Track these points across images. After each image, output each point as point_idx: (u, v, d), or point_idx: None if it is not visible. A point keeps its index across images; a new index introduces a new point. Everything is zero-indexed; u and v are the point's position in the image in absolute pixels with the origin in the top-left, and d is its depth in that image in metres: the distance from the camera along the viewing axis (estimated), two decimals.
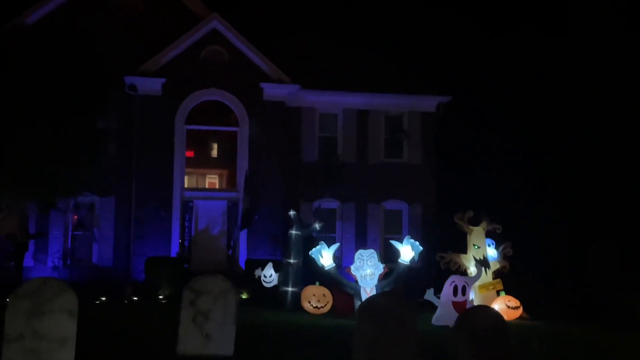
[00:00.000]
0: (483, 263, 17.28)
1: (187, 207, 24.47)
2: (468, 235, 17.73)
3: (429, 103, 26.65)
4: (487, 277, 17.42)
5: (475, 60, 33.35)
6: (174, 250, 23.71)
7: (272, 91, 24.70)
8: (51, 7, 24.44)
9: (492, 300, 16.68)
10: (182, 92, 24.18)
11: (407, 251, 16.76)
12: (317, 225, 19.05)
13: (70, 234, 24.15)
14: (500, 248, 18.17)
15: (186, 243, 24.23)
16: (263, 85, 24.62)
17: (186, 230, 24.42)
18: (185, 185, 24.90)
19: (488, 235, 18.12)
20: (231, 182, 26.35)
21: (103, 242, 24.12)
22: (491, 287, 17.29)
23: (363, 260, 16.56)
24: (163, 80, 23.97)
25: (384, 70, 27.10)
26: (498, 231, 18.06)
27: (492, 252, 18.02)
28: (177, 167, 24.12)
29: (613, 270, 22.91)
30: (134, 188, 24.00)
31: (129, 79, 23.91)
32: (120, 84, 23.74)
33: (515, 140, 30.42)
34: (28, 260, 22.68)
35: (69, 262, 23.87)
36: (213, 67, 24.48)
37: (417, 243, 16.97)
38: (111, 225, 24.19)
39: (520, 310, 16.84)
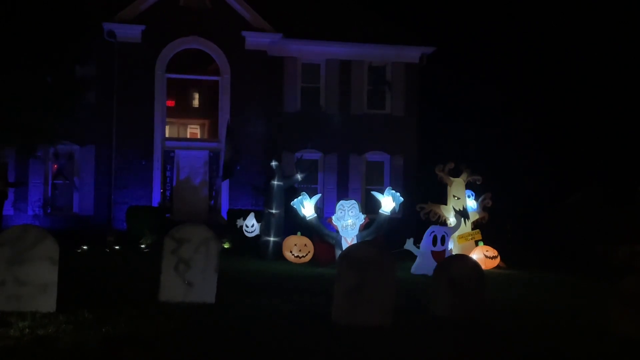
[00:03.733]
0: (462, 214, 17.47)
1: (169, 157, 24.38)
2: (448, 187, 17.88)
3: (412, 54, 26.50)
4: (466, 227, 17.64)
5: (459, 10, 33.06)
6: (156, 199, 23.69)
7: (254, 40, 24.42)
8: None
9: (471, 250, 16.91)
10: (162, 39, 23.83)
11: (388, 202, 16.88)
12: (299, 176, 19.07)
13: (50, 182, 24.03)
14: (480, 199, 18.40)
15: (168, 193, 24.20)
16: (245, 33, 24.32)
17: (167, 180, 24.37)
18: (167, 135, 24.74)
19: (468, 186, 18.29)
20: (213, 132, 26.22)
21: (83, 191, 24.05)
22: (470, 237, 17.53)
23: (344, 210, 16.67)
24: (142, 27, 23.60)
25: (367, 20, 26.85)
26: (478, 182, 18.24)
27: (471, 203, 18.25)
28: (158, 116, 23.93)
29: (592, 221, 23.27)
30: (114, 137, 23.82)
31: (107, 26, 23.51)
32: (99, 31, 23.34)
33: (498, 91, 30.42)
34: (8, 209, 22.56)
35: (49, 210, 23.80)
36: (194, 14, 24.11)
37: (398, 194, 17.08)
38: (91, 174, 24.08)
39: (498, 259, 17.11)
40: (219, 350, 7.08)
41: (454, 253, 16.53)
